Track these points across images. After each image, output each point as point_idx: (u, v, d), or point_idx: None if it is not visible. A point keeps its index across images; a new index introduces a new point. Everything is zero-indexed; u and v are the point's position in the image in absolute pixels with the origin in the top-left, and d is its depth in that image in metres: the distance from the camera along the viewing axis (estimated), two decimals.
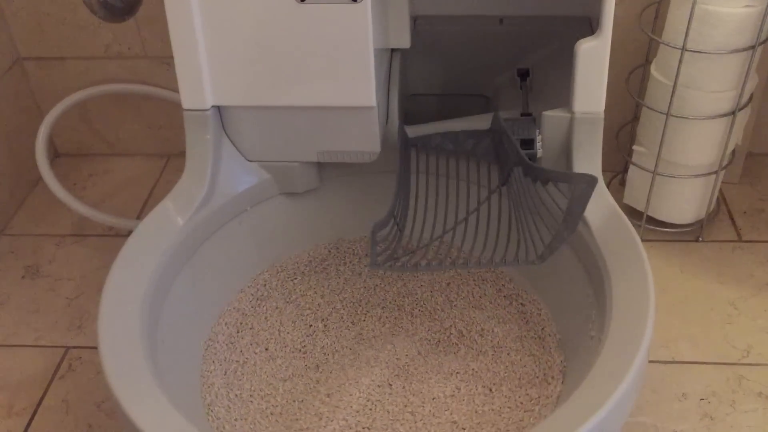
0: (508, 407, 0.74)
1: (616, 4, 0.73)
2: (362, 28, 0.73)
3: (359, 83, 0.76)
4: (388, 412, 0.74)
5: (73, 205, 1.04)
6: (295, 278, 0.89)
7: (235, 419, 0.74)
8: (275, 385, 0.77)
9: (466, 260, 0.74)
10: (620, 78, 1.00)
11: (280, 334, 0.82)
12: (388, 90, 0.86)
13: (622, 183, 1.08)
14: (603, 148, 0.78)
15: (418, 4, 0.90)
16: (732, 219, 1.05)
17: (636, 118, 1.05)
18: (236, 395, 0.76)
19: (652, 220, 1.03)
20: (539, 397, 0.74)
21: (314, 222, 0.91)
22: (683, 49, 0.87)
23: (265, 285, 0.87)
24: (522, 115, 0.84)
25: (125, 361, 0.63)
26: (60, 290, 1.01)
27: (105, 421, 0.84)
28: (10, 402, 0.87)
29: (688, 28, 0.85)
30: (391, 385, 0.77)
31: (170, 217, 0.76)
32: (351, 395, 0.75)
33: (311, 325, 0.84)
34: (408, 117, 0.91)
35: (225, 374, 0.78)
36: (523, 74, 0.90)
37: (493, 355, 0.79)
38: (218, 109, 0.80)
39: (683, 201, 1.00)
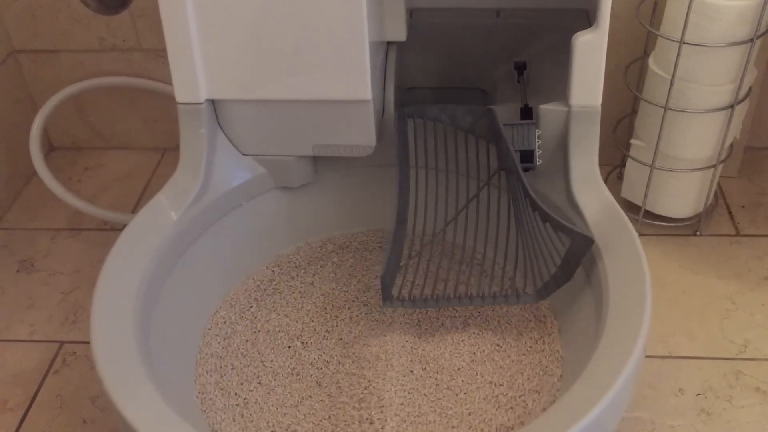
0: (523, 353, 0.78)
1: None
2: (357, 20, 0.72)
3: (355, 76, 0.75)
4: (426, 396, 0.75)
5: (67, 199, 1.03)
6: (291, 273, 0.88)
7: (233, 419, 0.73)
8: (280, 390, 0.77)
9: (468, 295, 0.77)
10: (618, 71, 1.00)
11: (277, 333, 0.82)
12: (384, 83, 0.85)
13: (620, 177, 1.08)
14: (600, 142, 0.78)
15: None
16: (730, 213, 1.05)
17: (634, 112, 1.04)
18: (233, 393, 0.76)
19: (649, 214, 1.02)
20: (542, 336, 0.79)
21: (310, 216, 0.91)
22: (681, 42, 0.86)
23: (261, 279, 0.87)
24: (522, 111, 0.83)
25: (118, 357, 0.63)
26: (55, 285, 1.01)
27: (99, 416, 0.84)
28: (3, 397, 0.87)
29: (686, 21, 0.85)
30: (412, 371, 0.77)
31: (164, 212, 0.76)
32: (386, 392, 0.74)
33: (311, 324, 0.83)
34: None
35: (221, 374, 0.77)
36: (520, 67, 0.89)
37: (482, 318, 0.81)
38: (212, 102, 0.79)
39: (681, 195, 0.99)
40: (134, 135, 1.22)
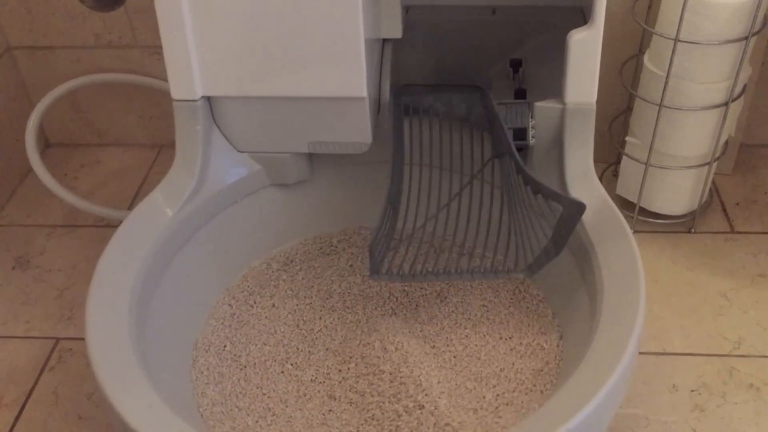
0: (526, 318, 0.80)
1: None
2: (353, 18, 0.72)
3: (350, 74, 0.75)
4: (453, 368, 0.75)
5: (63, 196, 1.03)
6: (287, 270, 0.88)
7: (229, 419, 0.73)
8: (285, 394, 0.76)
9: (458, 271, 0.75)
10: (613, 69, 1.00)
11: (275, 332, 0.81)
12: (380, 80, 0.85)
13: (615, 174, 1.08)
14: (596, 139, 0.78)
15: None
16: (724, 210, 1.05)
17: (629, 109, 1.04)
18: (230, 393, 0.76)
19: (644, 212, 1.03)
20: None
21: (305, 213, 0.91)
22: (676, 39, 0.86)
23: (257, 277, 0.87)
24: (516, 93, 0.83)
25: (113, 354, 0.63)
26: (50, 281, 1.01)
27: (95, 413, 0.84)
28: None
29: (681, 19, 0.85)
30: (426, 352, 0.77)
31: (160, 209, 0.76)
32: (420, 376, 0.73)
33: (307, 324, 0.83)
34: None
35: (218, 373, 0.77)
36: (516, 65, 0.89)
37: (464, 288, 0.83)
38: (208, 99, 0.79)
39: (676, 192, 1.00)
40: (130, 132, 1.22)
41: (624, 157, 1.01)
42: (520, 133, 0.80)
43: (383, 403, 0.73)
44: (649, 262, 0.97)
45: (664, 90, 0.90)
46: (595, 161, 0.77)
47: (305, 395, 0.75)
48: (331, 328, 0.81)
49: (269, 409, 0.74)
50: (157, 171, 1.19)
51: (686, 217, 1.03)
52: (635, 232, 1.02)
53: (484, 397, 0.73)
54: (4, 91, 1.14)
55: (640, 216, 1.02)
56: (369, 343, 0.77)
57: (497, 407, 0.72)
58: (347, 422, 0.72)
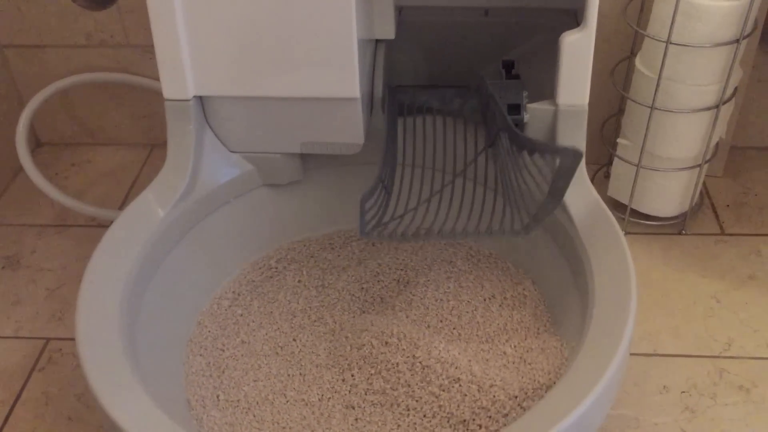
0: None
1: None
2: (346, 18, 0.72)
3: (343, 74, 0.75)
4: (461, 338, 0.77)
5: (54, 196, 1.03)
6: (279, 271, 0.88)
7: (226, 420, 0.73)
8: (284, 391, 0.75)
9: (453, 229, 0.73)
10: (605, 71, 1.00)
11: (270, 332, 0.81)
12: (373, 81, 0.85)
13: (607, 176, 1.08)
14: (587, 141, 0.78)
15: None
16: (715, 212, 1.06)
17: (621, 111, 1.05)
18: (226, 393, 0.75)
19: (635, 213, 1.03)
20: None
21: (297, 214, 0.91)
22: (668, 42, 0.87)
23: (247, 278, 0.87)
24: (508, 77, 0.84)
25: (103, 354, 0.63)
26: (41, 281, 1.00)
27: (85, 414, 0.84)
28: None
29: (672, 21, 0.85)
30: (431, 333, 0.77)
31: (151, 209, 0.75)
32: (436, 354, 0.72)
33: (285, 348, 0.81)
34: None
35: (210, 372, 0.77)
36: (508, 66, 0.89)
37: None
38: (200, 99, 0.79)
39: (667, 194, 1.00)
40: (122, 131, 1.22)
41: (615, 159, 1.01)
42: (515, 109, 0.80)
43: (413, 391, 0.71)
44: (640, 264, 0.98)
45: (655, 92, 0.90)
46: (587, 163, 0.77)
47: (323, 414, 0.73)
48: (309, 345, 0.79)
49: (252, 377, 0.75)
50: (149, 171, 1.18)
51: (677, 219, 1.03)
52: (626, 233, 1.02)
53: (504, 353, 0.74)
54: None
55: (631, 218, 1.03)
56: (363, 345, 0.76)
57: (521, 356, 0.74)
58: (383, 422, 0.71)
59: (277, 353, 0.78)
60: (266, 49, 0.74)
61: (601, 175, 1.12)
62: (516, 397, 0.70)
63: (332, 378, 0.75)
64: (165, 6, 0.72)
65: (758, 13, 0.91)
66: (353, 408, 0.73)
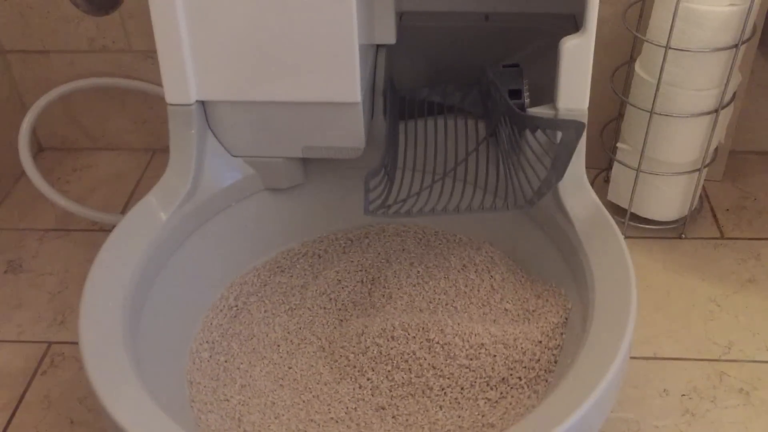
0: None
1: (601, 2, 0.74)
2: (347, 23, 0.73)
3: (344, 79, 0.76)
4: (467, 312, 0.78)
5: (56, 200, 1.03)
6: (241, 308, 0.84)
7: (225, 421, 0.73)
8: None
9: (457, 206, 0.74)
10: (605, 75, 1.01)
11: (269, 334, 0.81)
12: (374, 86, 0.86)
13: (607, 180, 1.09)
14: (587, 145, 0.78)
15: (403, 0, 0.90)
16: (715, 216, 1.06)
17: (620, 116, 1.05)
18: (224, 395, 0.76)
19: (635, 217, 1.03)
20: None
21: (299, 218, 0.91)
22: (667, 47, 0.87)
23: (250, 282, 0.87)
24: (507, 66, 0.85)
25: (106, 357, 0.63)
26: (43, 285, 1.01)
27: (87, 417, 0.84)
28: None
29: (672, 27, 0.86)
30: (436, 315, 0.77)
31: (153, 213, 0.76)
32: (452, 332, 0.74)
33: (305, 321, 0.83)
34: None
35: (213, 375, 0.77)
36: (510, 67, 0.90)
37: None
38: (202, 104, 0.80)
39: (667, 198, 1.00)
40: (124, 136, 1.22)
41: (615, 164, 1.01)
42: (516, 94, 0.81)
43: (441, 371, 0.72)
44: (640, 268, 0.98)
45: (654, 97, 0.91)
46: (587, 167, 0.77)
47: (359, 424, 0.72)
48: (308, 368, 0.77)
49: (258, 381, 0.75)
50: (151, 175, 1.19)
51: (677, 223, 1.03)
52: (626, 237, 1.03)
53: (506, 309, 0.77)
54: None
55: (631, 222, 1.03)
56: (368, 347, 0.76)
57: (523, 308, 0.77)
58: (423, 409, 0.71)
59: (281, 386, 0.76)
60: (268, 53, 0.75)
61: (600, 180, 1.12)
62: (540, 342, 0.72)
63: (348, 389, 0.75)
64: (167, 11, 0.73)
65: (757, 19, 0.92)
66: (384, 408, 0.73)
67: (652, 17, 0.90)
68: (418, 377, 0.73)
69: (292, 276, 0.87)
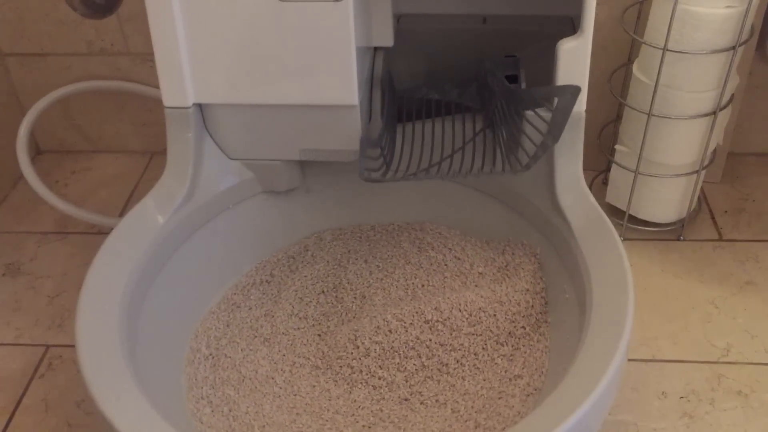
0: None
1: (598, 5, 0.74)
2: (345, 26, 0.73)
3: (342, 82, 0.76)
4: (452, 288, 0.78)
5: (54, 203, 1.03)
6: (239, 309, 0.84)
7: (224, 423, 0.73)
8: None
9: (454, 171, 0.75)
10: (603, 78, 1.01)
11: (258, 371, 0.78)
12: (371, 89, 0.86)
13: (605, 182, 1.09)
14: (585, 148, 0.78)
15: (401, 3, 0.90)
16: (713, 218, 1.06)
17: (618, 118, 1.05)
18: (223, 396, 0.76)
19: (634, 219, 1.03)
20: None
21: (297, 221, 0.91)
22: (665, 49, 0.87)
23: (247, 285, 0.87)
24: (505, 56, 0.86)
25: (103, 361, 0.63)
26: (41, 288, 1.00)
27: (85, 420, 0.84)
28: None
29: (669, 29, 0.86)
30: (422, 298, 0.78)
31: (150, 216, 0.76)
32: (446, 307, 0.75)
33: (306, 321, 0.83)
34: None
35: (211, 382, 0.77)
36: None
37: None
38: (200, 106, 0.80)
39: (665, 200, 1.00)
40: (122, 138, 1.22)
41: (613, 166, 1.01)
42: (513, 79, 0.83)
43: (450, 344, 0.74)
44: (638, 270, 0.98)
45: (652, 99, 0.91)
46: (585, 169, 0.77)
47: (393, 421, 0.72)
48: (311, 389, 0.75)
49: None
50: (149, 178, 1.19)
51: (675, 225, 1.03)
52: (624, 239, 1.03)
53: (482, 273, 0.80)
54: None
55: (629, 224, 1.03)
56: (368, 349, 0.75)
57: (500, 272, 0.80)
58: (449, 385, 0.73)
59: (298, 414, 0.74)
60: (265, 56, 0.75)
61: (599, 182, 1.12)
62: (527, 290, 0.75)
63: (364, 394, 0.74)
64: (165, 14, 0.73)
65: (754, 20, 0.92)
66: (407, 399, 0.73)
67: (649, 19, 0.90)
68: (430, 359, 0.74)
69: (251, 308, 0.83)
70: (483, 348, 0.75)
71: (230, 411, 0.74)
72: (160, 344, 0.74)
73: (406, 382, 0.74)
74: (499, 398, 0.72)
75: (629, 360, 0.79)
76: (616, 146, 1.00)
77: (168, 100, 0.78)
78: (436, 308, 0.75)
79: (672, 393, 0.83)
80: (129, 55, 1.13)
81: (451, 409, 0.71)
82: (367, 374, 0.75)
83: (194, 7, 0.73)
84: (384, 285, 0.83)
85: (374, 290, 0.83)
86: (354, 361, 0.76)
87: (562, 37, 0.75)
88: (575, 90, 0.70)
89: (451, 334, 0.75)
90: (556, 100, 0.73)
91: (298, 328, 0.81)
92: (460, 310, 0.75)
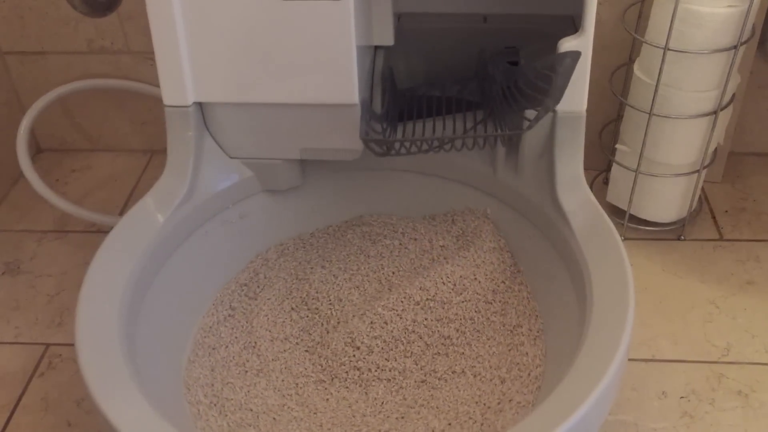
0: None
1: (599, 4, 0.74)
2: (345, 25, 0.72)
3: (342, 80, 0.76)
4: (428, 276, 0.79)
5: (54, 201, 1.03)
6: (215, 351, 0.80)
7: (222, 422, 0.73)
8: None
9: (458, 133, 0.76)
10: (604, 77, 1.01)
11: (266, 401, 0.76)
12: (371, 87, 0.85)
13: (606, 182, 1.08)
14: (586, 147, 0.78)
15: (401, 2, 0.90)
16: (714, 218, 1.06)
17: (619, 117, 1.05)
18: (224, 396, 0.75)
19: (634, 219, 1.03)
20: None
21: (297, 219, 0.91)
22: (666, 48, 0.87)
23: (246, 283, 0.87)
24: (506, 48, 0.87)
25: (103, 359, 0.63)
26: (41, 287, 1.00)
27: (84, 419, 0.84)
28: None
29: (670, 28, 0.85)
30: (400, 290, 0.78)
31: (150, 214, 0.76)
32: (428, 282, 0.77)
33: (306, 320, 0.83)
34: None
35: (210, 381, 0.77)
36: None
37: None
38: (200, 105, 0.79)
39: (666, 200, 1.00)
40: (122, 137, 1.22)
41: (614, 165, 1.01)
42: (513, 64, 0.84)
43: (447, 317, 0.77)
44: (639, 269, 0.98)
45: (653, 98, 0.91)
46: (586, 169, 0.77)
47: (423, 405, 0.72)
48: (324, 404, 0.74)
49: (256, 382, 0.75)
50: (149, 176, 1.19)
51: (676, 225, 1.03)
52: (625, 239, 1.03)
53: (444, 246, 0.82)
54: None
55: (629, 223, 1.03)
56: (371, 347, 0.75)
57: (460, 236, 0.83)
58: (463, 355, 0.75)
59: (329, 430, 0.72)
60: (265, 55, 0.75)
61: (599, 181, 1.12)
62: (494, 248, 0.80)
63: (381, 390, 0.74)
64: (165, 13, 0.73)
65: (756, 20, 0.92)
66: (424, 381, 0.74)
67: (651, 18, 0.90)
68: (431, 336, 0.75)
69: (227, 346, 0.79)
70: (476, 311, 0.77)
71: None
72: (159, 343, 0.74)
73: (417, 364, 0.75)
74: (510, 350, 0.75)
75: (629, 360, 0.79)
76: (617, 146, 1.00)
77: (168, 98, 0.78)
78: (421, 288, 0.77)
79: (672, 393, 0.83)
80: (129, 53, 1.12)
81: (472, 375, 0.74)
82: (376, 370, 0.75)
83: (194, 5, 0.73)
84: (355, 283, 0.83)
85: (347, 291, 0.82)
86: (359, 362, 0.76)
87: (562, 36, 0.75)
88: (575, 55, 0.71)
89: (444, 308, 0.77)
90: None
91: (285, 350, 0.79)
92: (444, 283, 0.77)
